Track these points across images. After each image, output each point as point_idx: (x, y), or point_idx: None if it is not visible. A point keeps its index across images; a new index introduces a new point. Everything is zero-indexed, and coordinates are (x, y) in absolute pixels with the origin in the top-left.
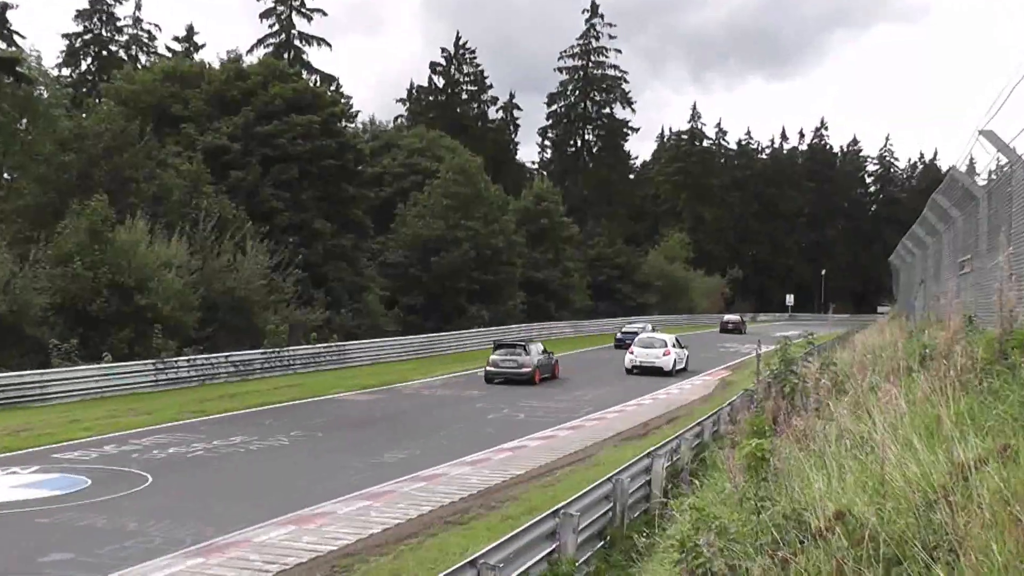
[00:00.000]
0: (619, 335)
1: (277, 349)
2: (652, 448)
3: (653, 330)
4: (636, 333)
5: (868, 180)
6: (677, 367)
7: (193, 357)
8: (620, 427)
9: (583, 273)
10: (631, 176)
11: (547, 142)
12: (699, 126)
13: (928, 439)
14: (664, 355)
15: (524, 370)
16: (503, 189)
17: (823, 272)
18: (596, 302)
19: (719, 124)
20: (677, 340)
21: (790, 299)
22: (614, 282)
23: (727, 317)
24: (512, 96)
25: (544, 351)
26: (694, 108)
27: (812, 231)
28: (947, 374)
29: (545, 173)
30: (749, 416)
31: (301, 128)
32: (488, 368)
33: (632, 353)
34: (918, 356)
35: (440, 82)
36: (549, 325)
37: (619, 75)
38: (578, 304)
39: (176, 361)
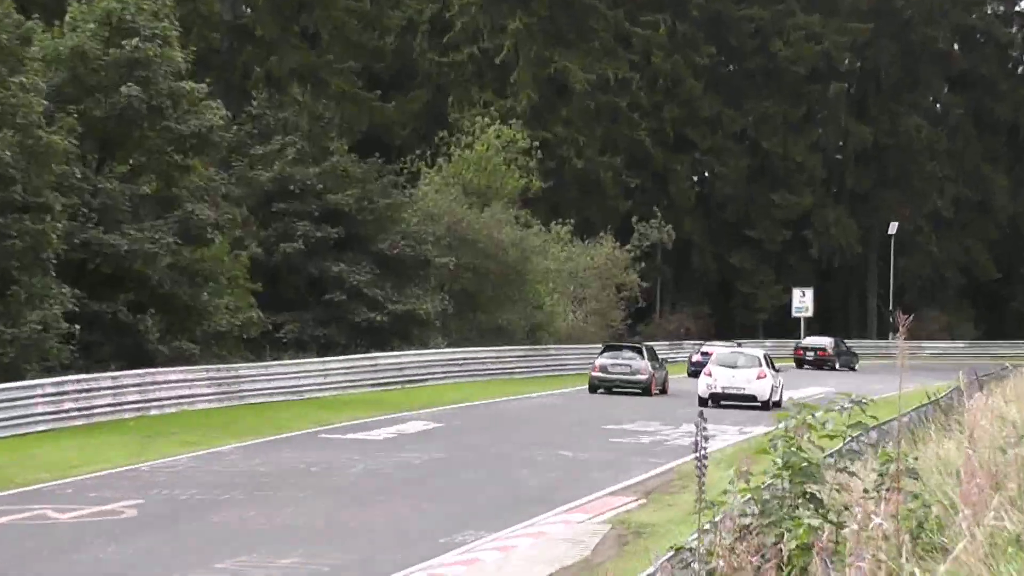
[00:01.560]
0: (696, 357)
1: None
2: None
3: (739, 346)
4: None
5: None
6: (774, 397)
7: None
8: None
9: (237, 236)
10: None
11: None
12: None
13: None
14: (758, 378)
15: (639, 377)
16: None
17: (891, 230)
18: (277, 315)
19: None
20: (768, 358)
21: (802, 301)
22: (321, 257)
23: (811, 341)
24: None
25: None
26: None
27: (861, 117)
28: None
29: None
30: None
31: None
32: (594, 374)
33: (710, 376)
34: None
35: None
36: (145, 379)
37: None
38: (225, 322)
39: None
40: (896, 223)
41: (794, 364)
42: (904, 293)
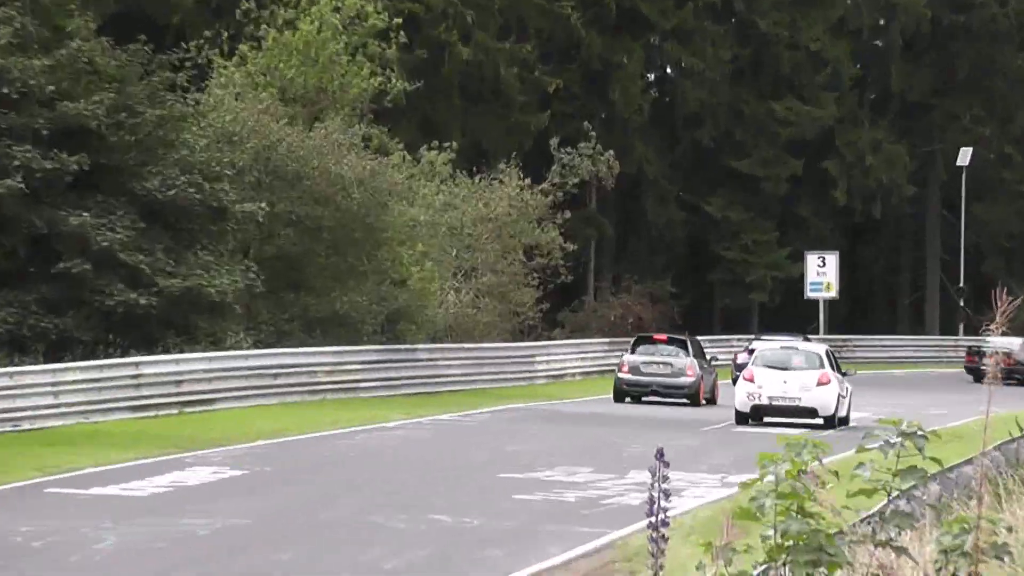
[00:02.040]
0: (743, 357)
1: None
2: None
3: (806, 339)
4: None
5: None
6: (840, 412)
7: None
8: None
9: None
10: None
11: None
12: None
13: None
14: (820, 384)
15: (683, 380)
16: None
17: (961, 161)
18: None
19: None
20: (833, 356)
21: (821, 273)
22: (52, 203)
23: (994, 343)
24: None
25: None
26: None
27: None
28: None
29: None
30: None
31: None
32: (622, 375)
33: (753, 382)
34: None
35: None
36: None
37: None
38: None
39: None
40: (969, 150)
41: (970, 376)
42: (982, 259)
